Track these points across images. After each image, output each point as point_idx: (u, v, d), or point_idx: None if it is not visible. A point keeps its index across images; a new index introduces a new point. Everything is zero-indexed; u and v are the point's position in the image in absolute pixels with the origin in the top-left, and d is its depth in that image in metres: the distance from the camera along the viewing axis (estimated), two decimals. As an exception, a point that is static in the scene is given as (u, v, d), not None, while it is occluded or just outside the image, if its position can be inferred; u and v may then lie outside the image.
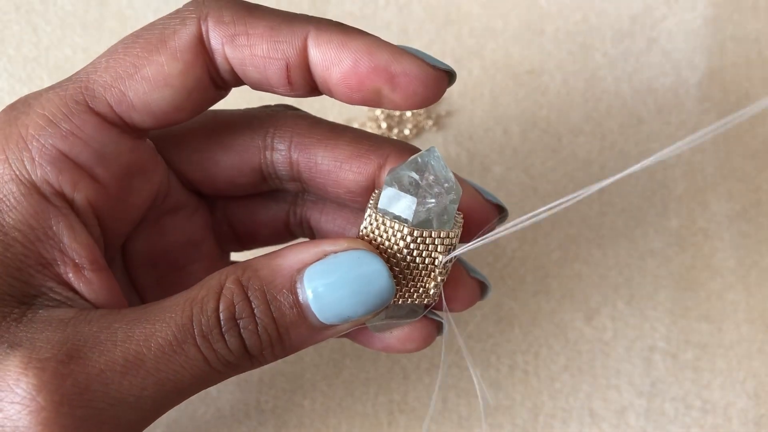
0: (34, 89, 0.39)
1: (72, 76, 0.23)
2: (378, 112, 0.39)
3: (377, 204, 0.22)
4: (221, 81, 0.23)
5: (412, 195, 0.22)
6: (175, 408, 0.35)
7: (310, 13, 0.23)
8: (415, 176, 0.22)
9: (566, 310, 0.37)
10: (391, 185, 0.22)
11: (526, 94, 0.39)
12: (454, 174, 0.23)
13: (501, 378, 0.36)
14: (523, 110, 0.39)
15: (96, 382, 0.20)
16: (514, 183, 0.38)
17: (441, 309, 0.25)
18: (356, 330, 0.24)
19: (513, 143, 0.39)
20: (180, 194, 0.26)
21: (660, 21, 0.40)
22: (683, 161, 0.38)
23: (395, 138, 0.39)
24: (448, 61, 0.40)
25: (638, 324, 0.36)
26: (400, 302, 0.23)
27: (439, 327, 0.26)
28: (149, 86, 0.22)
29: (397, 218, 0.22)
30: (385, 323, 0.24)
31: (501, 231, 0.23)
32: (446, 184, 0.22)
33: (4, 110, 0.23)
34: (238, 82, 0.23)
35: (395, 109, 0.23)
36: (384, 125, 0.39)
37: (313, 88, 0.23)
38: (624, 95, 0.40)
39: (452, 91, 0.39)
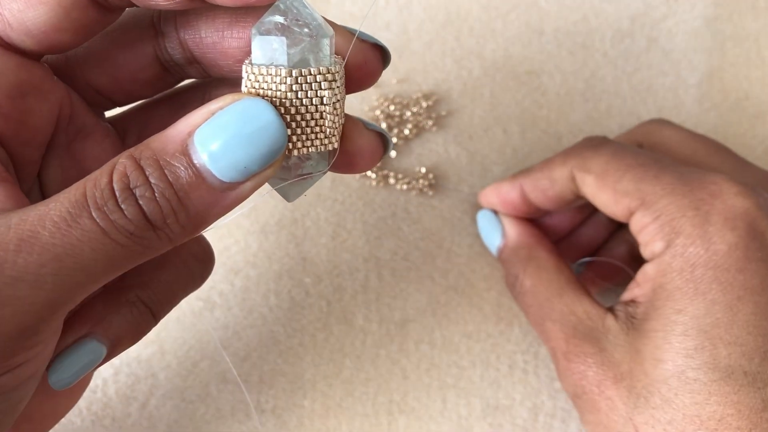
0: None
1: None
2: (378, 112, 0.39)
3: (252, 60, 0.22)
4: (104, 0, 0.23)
5: (281, 37, 0.22)
6: (175, 408, 0.35)
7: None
8: (280, 19, 0.22)
9: (566, 310, 0.37)
10: (259, 33, 0.22)
11: (526, 94, 0.40)
12: (324, 18, 0.23)
13: (500, 377, 0.36)
14: (523, 110, 0.39)
15: None
16: (514, 183, 0.38)
17: (351, 170, 0.25)
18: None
19: (513, 143, 0.39)
20: (86, 116, 0.26)
21: (660, 21, 0.40)
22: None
23: (395, 138, 0.39)
24: (448, 62, 0.40)
25: (638, 324, 0.36)
26: (304, 152, 0.23)
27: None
28: (23, 4, 0.22)
29: (272, 65, 0.22)
30: (297, 183, 0.24)
31: None
32: (314, 22, 0.22)
33: None
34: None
35: None
36: (384, 125, 0.39)
37: None
38: (624, 95, 0.40)
39: (452, 91, 0.39)
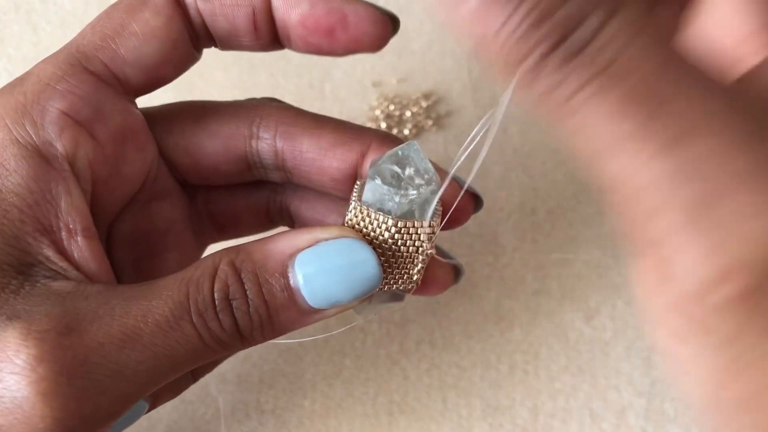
0: (34, 89, 0.39)
1: (60, 48, 0.24)
2: (377, 112, 0.39)
3: (361, 196, 0.23)
4: (195, 35, 0.25)
5: (394, 187, 0.23)
6: (175, 408, 0.35)
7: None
8: (397, 169, 0.23)
9: (566, 310, 0.37)
10: (374, 178, 0.23)
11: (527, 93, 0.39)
12: (433, 163, 0.24)
13: (501, 378, 0.36)
14: (523, 110, 0.39)
15: (95, 354, 0.20)
16: (514, 183, 0.38)
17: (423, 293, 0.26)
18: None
19: (513, 143, 0.39)
20: (167, 180, 0.27)
21: (660, 21, 0.40)
22: (683, 161, 0.39)
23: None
24: (449, 61, 0.40)
25: (638, 324, 0.36)
26: (385, 288, 0.24)
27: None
28: (138, 40, 0.23)
29: (381, 210, 0.23)
30: (372, 307, 0.25)
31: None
32: (426, 176, 0.23)
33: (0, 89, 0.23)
34: (210, 38, 0.25)
35: (345, 52, 0.24)
36: (384, 125, 0.39)
37: (275, 36, 0.25)
38: (624, 95, 0.40)
39: (452, 91, 0.39)
